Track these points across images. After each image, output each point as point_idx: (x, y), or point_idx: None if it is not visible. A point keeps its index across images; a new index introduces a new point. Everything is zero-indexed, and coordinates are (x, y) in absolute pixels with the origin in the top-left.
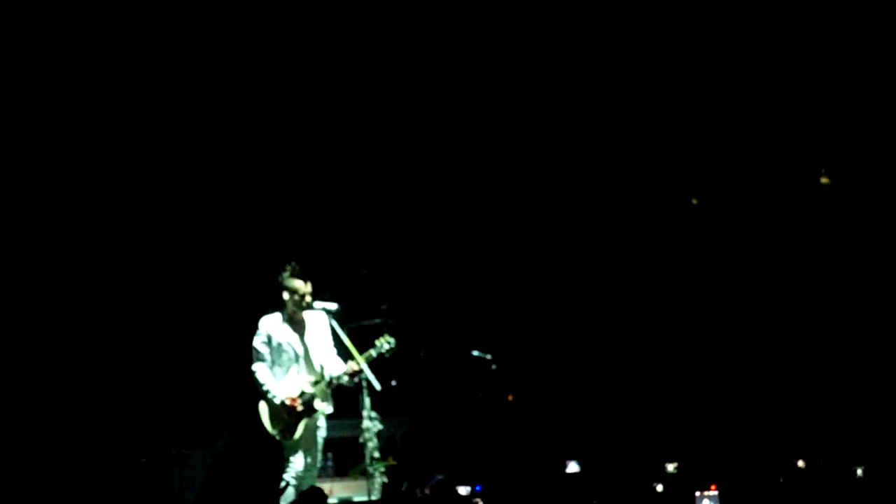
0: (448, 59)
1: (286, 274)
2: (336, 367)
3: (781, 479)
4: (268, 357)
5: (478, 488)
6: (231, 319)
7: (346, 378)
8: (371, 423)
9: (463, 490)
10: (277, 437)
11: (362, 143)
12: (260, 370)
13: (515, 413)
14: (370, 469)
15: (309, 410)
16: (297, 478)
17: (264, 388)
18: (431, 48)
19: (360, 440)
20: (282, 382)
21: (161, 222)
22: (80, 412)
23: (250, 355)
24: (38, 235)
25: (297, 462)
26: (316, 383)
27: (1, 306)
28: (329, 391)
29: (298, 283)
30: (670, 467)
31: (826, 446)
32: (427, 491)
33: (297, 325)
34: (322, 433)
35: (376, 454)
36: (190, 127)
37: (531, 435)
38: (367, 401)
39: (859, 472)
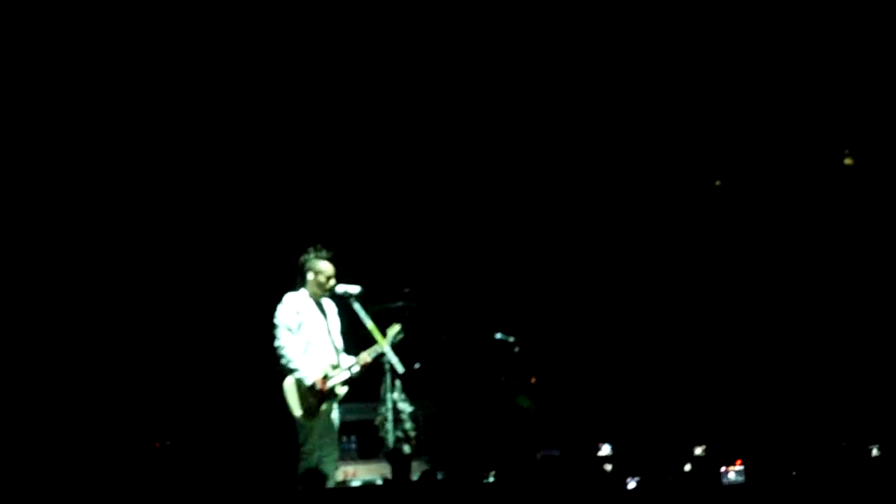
0: (471, 45)
1: (311, 255)
2: (345, 359)
3: (806, 455)
4: (295, 332)
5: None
6: (248, 304)
7: (357, 368)
8: (402, 405)
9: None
10: (300, 418)
11: (386, 127)
12: (289, 346)
13: (538, 396)
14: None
15: (331, 393)
16: (315, 461)
17: (292, 364)
18: (452, 36)
19: (384, 423)
20: (306, 361)
21: (178, 206)
22: (90, 399)
23: (266, 333)
24: (44, 216)
25: (314, 445)
26: (336, 367)
27: (7, 291)
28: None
29: (325, 265)
30: (698, 450)
31: (845, 425)
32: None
33: (319, 306)
34: (336, 415)
35: (402, 433)
36: (212, 112)
37: (553, 418)
38: (395, 382)
39: (875, 451)
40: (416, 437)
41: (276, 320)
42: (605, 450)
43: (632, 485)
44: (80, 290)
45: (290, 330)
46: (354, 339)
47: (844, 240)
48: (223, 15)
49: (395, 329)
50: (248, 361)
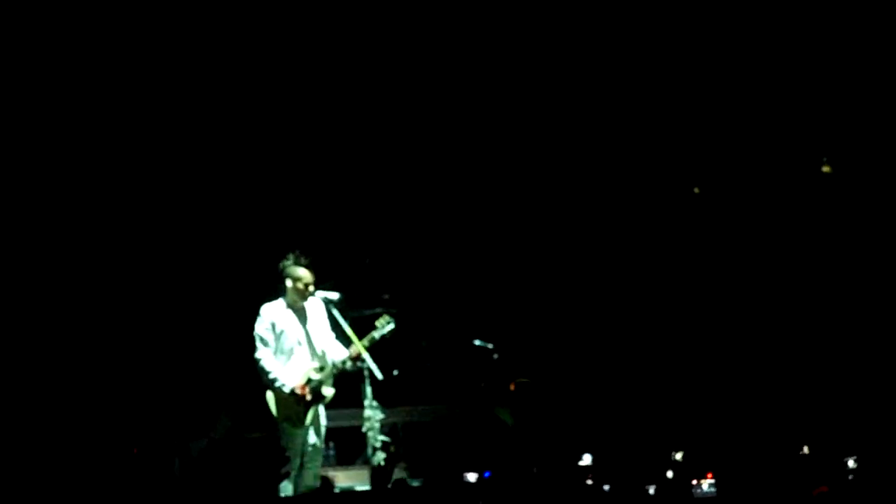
0: (443, 48)
1: (289, 262)
2: (338, 353)
3: (778, 467)
4: (272, 344)
5: (486, 475)
6: (227, 307)
7: (349, 363)
8: (372, 412)
9: (471, 477)
10: (285, 426)
11: (364, 132)
12: (265, 358)
13: (517, 402)
14: (371, 459)
15: (317, 398)
16: (300, 467)
17: (271, 376)
18: (425, 38)
19: (363, 429)
20: (287, 370)
21: (161, 212)
22: (78, 403)
23: (248, 342)
24: (40, 221)
25: (296, 452)
26: (321, 369)
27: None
28: (332, 378)
29: (302, 272)
30: (678, 455)
31: (820, 436)
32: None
33: (299, 312)
34: (324, 421)
35: (378, 442)
36: (190, 117)
37: (533, 424)
38: (368, 390)
39: (850, 462)
40: (392, 444)
41: (254, 333)
42: (587, 460)
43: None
44: (76, 286)
45: (266, 342)
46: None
47: (822, 249)
48: (204, 17)
49: (384, 319)
50: (233, 370)
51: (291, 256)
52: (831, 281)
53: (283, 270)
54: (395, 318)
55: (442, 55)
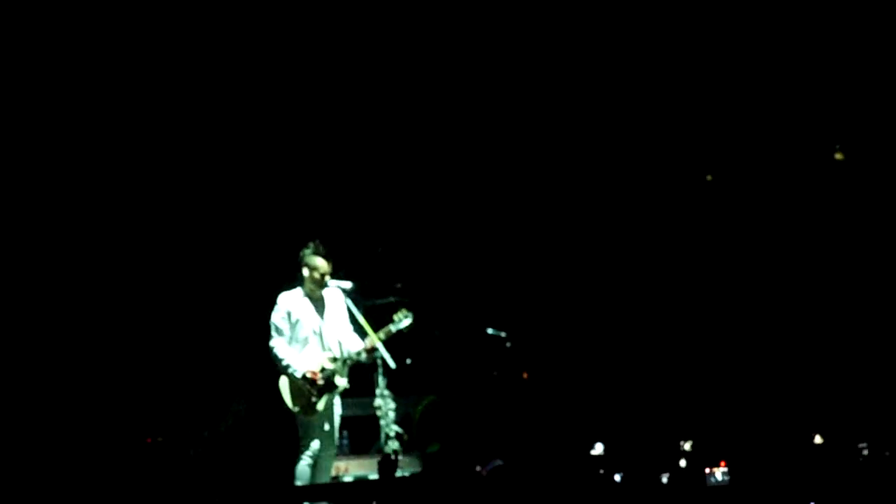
0: (464, 42)
1: (308, 251)
2: (353, 344)
3: (790, 456)
4: (287, 333)
5: (489, 466)
6: (242, 296)
7: (364, 355)
8: (383, 402)
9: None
10: (298, 414)
11: (377, 123)
12: (279, 345)
13: (530, 391)
14: (385, 448)
15: (329, 386)
16: (315, 456)
17: (284, 362)
18: (450, 34)
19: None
20: (301, 358)
21: (180, 202)
22: (91, 393)
23: (263, 331)
24: (56, 213)
25: (313, 440)
26: (335, 360)
27: (23, 282)
28: (346, 368)
29: (320, 262)
30: (686, 445)
31: (832, 424)
32: (483, 473)
33: (316, 302)
34: (338, 410)
35: (392, 431)
36: (207, 110)
37: (546, 413)
38: (381, 380)
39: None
40: (406, 433)
41: (271, 321)
42: (598, 449)
43: (617, 478)
44: (76, 285)
45: (281, 330)
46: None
47: (833, 238)
48: (215, 13)
49: (402, 314)
50: (248, 358)
51: (311, 245)
52: (843, 269)
53: (301, 259)
54: (409, 307)
55: (453, 48)
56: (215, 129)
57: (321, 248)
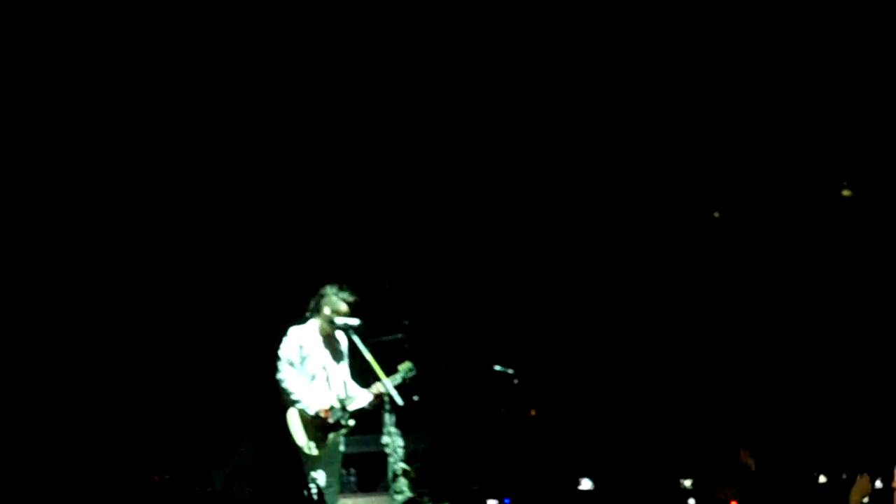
0: (476, 72)
1: (335, 291)
2: (357, 391)
3: (798, 493)
4: (297, 366)
5: (506, 501)
6: (245, 333)
7: (368, 404)
8: (391, 439)
9: (492, 503)
10: (304, 450)
11: (385, 158)
12: (290, 378)
13: (538, 428)
14: (392, 485)
15: (337, 425)
16: (319, 493)
17: (294, 396)
18: (457, 57)
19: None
20: (310, 393)
21: (183, 238)
22: (101, 430)
23: (269, 366)
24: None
25: (319, 476)
26: (342, 400)
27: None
28: (351, 412)
29: (344, 306)
30: (686, 483)
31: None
32: None
33: (326, 340)
34: (342, 448)
35: (399, 469)
36: (212, 143)
37: (554, 450)
38: (388, 417)
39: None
40: (414, 470)
41: (280, 353)
42: (586, 485)
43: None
44: (89, 318)
45: (291, 363)
46: (357, 371)
47: (839, 271)
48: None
49: (407, 365)
50: (254, 393)
51: (338, 287)
52: (848, 302)
53: (322, 296)
54: (416, 344)
55: (470, 71)
56: (221, 157)
57: (351, 295)
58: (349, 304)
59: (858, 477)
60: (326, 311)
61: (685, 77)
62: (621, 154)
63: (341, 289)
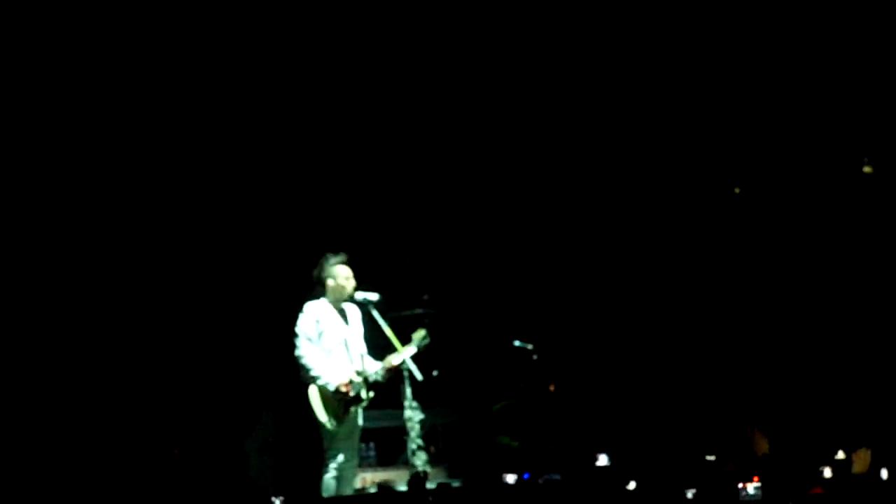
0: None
1: (331, 261)
2: (370, 363)
3: (822, 472)
4: (315, 341)
5: (525, 476)
6: (266, 307)
7: (382, 375)
8: (412, 413)
9: (510, 478)
10: (327, 425)
11: (407, 133)
12: (309, 354)
13: (558, 403)
14: (412, 459)
15: (357, 399)
16: (339, 468)
17: (314, 372)
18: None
19: (405, 430)
20: (329, 368)
21: (203, 213)
22: (121, 404)
23: (287, 341)
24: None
25: (339, 451)
26: (360, 373)
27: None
28: (367, 384)
29: (340, 269)
30: (710, 458)
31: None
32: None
33: (340, 313)
34: (360, 421)
35: (418, 443)
36: (228, 116)
37: (572, 425)
38: (408, 391)
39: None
40: (433, 445)
41: (297, 330)
42: (603, 460)
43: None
44: (105, 299)
45: (310, 339)
46: (376, 345)
47: (856, 252)
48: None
49: (420, 333)
50: (270, 369)
51: (328, 256)
52: (868, 285)
53: (321, 270)
54: (434, 319)
55: (477, 58)
56: (233, 139)
57: (338, 257)
58: (344, 263)
59: (860, 451)
60: (331, 282)
61: (696, 54)
62: (640, 130)
63: (336, 256)
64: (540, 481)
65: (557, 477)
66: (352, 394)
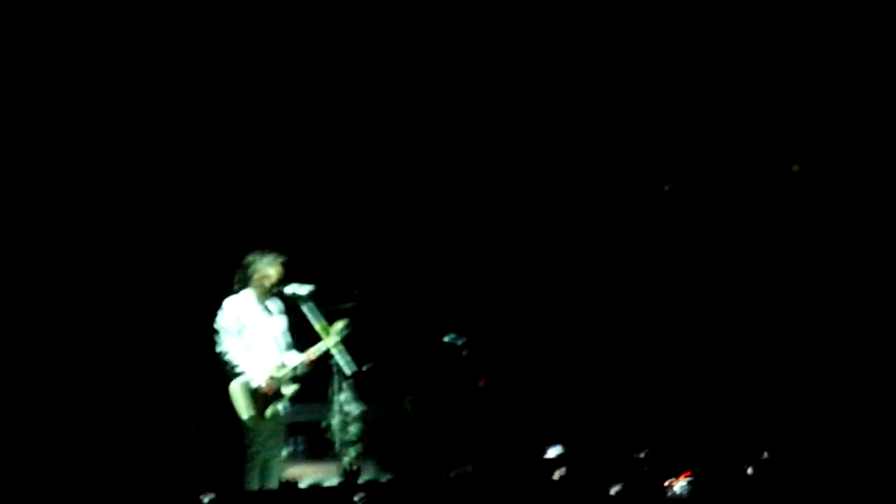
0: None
1: (262, 259)
2: (292, 357)
3: (751, 469)
4: (236, 337)
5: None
6: (187, 303)
7: (303, 368)
8: (341, 407)
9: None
10: (247, 421)
11: (337, 130)
12: (232, 350)
13: (487, 398)
14: (341, 454)
15: (277, 395)
16: (263, 462)
17: (237, 369)
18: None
19: (333, 424)
20: (251, 364)
21: (134, 209)
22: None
23: (209, 338)
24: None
25: (262, 445)
26: (282, 367)
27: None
28: (290, 378)
29: (273, 270)
30: (641, 454)
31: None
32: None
33: (264, 308)
34: (285, 415)
35: (348, 437)
36: (167, 113)
37: (502, 420)
38: (337, 384)
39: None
40: (364, 439)
41: (218, 326)
42: (554, 452)
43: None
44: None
45: (231, 335)
46: (306, 338)
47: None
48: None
49: (340, 324)
50: (193, 365)
51: (265, 253)
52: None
53: (250, 265)
54: (364, 313)
55: (412, 46)
56: (172, 135)
57: (279, 258)
58: (281, 265)
59: None
60: (256, 278)
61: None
62: (578, 126)
63: (265, 253)
64: (452, 474)
65: (469, 469)
66: (273, 389)
